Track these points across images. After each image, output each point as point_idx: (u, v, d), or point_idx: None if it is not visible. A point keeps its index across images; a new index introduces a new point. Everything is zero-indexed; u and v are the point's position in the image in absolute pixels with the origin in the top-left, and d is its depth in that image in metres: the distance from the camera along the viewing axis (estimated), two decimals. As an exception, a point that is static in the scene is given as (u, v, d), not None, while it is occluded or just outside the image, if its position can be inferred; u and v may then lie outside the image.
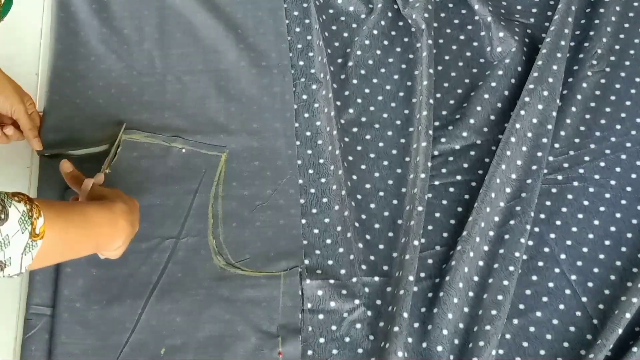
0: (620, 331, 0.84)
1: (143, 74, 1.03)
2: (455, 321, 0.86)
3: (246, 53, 1.06)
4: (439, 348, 0.85)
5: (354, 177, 0.98)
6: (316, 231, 0.93)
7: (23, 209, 0.63)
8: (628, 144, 1.01)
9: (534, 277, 0.91)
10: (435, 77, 1.04)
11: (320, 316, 0.87)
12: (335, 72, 1.06)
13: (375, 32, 1.10)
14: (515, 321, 0.88)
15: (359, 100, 1.04)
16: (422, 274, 0.90)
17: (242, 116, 1.01)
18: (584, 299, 0.89)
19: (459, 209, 0.96)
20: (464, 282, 0.88)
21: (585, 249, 0.93)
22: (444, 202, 0.97)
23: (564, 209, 0.96)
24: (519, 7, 1.14)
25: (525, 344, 0.86)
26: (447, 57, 1.09)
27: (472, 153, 1.00)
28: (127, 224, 0.79)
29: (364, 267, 0.91)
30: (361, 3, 1.12)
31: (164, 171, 0.96)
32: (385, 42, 1.10)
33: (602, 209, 0.96)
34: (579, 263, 0.92)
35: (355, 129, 1.02)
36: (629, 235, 0.94)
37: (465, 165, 0.99)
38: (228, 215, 0.93)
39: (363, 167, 0.99)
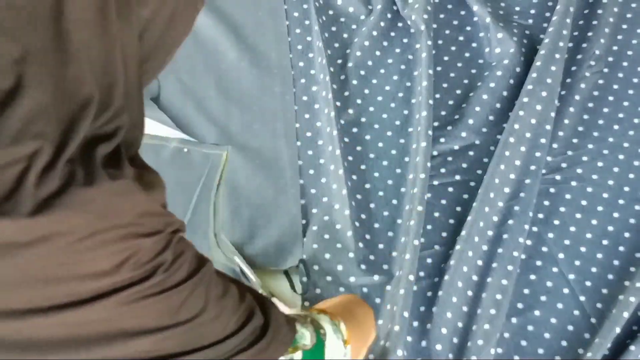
0: (618, 330, 0.84)
1: (144, 74, 1.04)
2: (454, 320, 0.87)
3: (246, 53, 1.07)
4: (438, 347, 0.85)
5: (354, 177, 0.98)
6: (315, 228, 0.93)
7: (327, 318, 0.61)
8: (626, 144, 1.01)
9: (533, 277, 0.91)
10: (434, 77, 1.04)
11: (320, 315, 0.87)
12: (335, 73, 1.06)
13: (374, 33, 1.10)
14: (514, 320, 0.88)
15: (359, 101, 1.05)
16: (422, 273, 0.91)
17: (243, 117, 1.02)
18: (582, 298, 0.90)
19: (458, 209, 0.96)
20: (463, 281, 0.89)
21: (583, 249, 0.93)
22: (443, 201, 0.97)
23: (562, 209, 0.96)
24: (517, 9, 1.14)
25: (523, 343, 0.87)
26: (446, 58, 1.10)
27: (471, 153, 1.01)
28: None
29: (363, 266, 0.91)
30: (361, 4, 1.12)
31: (165, 170, 0.96)
32: (385, 43, 1.10)
33: (600, 208, 0.96)
34: (577, 262, 0.92)
35: (355, 130, 1.03)
36: (627, 234, 0.94)
37: (464, 166, 1.00)
38: (229, 214, 0.94)
39: (363, 167, 1.00)
